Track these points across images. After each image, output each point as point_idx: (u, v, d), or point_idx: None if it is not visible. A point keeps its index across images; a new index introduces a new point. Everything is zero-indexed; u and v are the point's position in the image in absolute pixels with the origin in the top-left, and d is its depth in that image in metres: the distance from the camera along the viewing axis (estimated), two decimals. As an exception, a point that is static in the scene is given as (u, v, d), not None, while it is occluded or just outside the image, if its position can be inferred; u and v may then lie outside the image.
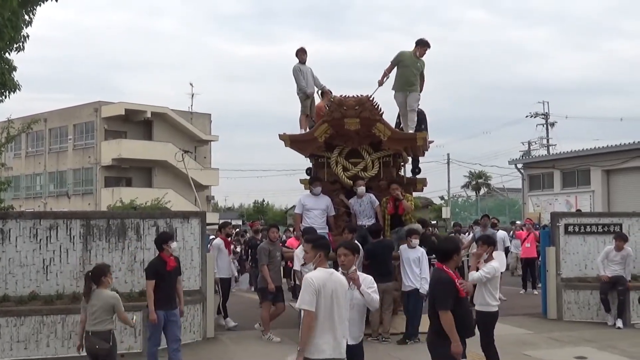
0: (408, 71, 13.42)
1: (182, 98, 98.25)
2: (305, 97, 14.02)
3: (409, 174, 15.02)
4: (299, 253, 11.50)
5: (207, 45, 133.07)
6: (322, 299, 5.74)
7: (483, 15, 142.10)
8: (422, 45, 13.47)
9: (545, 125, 54.79)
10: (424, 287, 11.53)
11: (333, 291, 5.83)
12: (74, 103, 54.93)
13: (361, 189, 12.57)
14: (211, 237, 20.63)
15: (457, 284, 6.41)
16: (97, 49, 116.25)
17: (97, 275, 7.83)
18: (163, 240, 9.39)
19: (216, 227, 25.22)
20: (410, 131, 13.37)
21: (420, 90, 13.64)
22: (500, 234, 18.78)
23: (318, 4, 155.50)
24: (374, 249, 11.62)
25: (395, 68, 13.54)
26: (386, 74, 13.68)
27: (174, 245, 9.37)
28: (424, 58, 13.59)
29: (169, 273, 9.21)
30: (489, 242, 8.90)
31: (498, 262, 8.82)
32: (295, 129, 13.98)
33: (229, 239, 15.28)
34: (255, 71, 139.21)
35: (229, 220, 17.40)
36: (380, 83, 13.67)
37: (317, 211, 12.62)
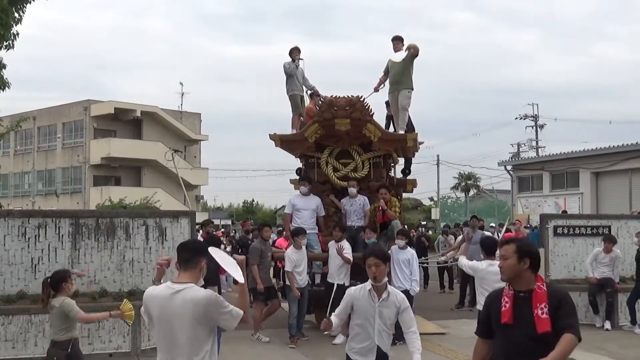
0: (393, 71, 13.68)
1: (171, 99, 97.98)
2: (293, 95, 13.97)
3: (399, 175, 15.08)
4: (290, 254, 11.49)
5: (195, 45, 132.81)
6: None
7: (471, 18, 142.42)
8: (393, 41, 13.70)
9: (534, 128, 55.00)
10: (414, 289, 11.57)
11: None
12: (62, 102, 54.71)
13: (352, 189, 12.61)
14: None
15: (503, 304, 4.52)
16: (84, 49, 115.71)
17: (57, 282, 7.35)
18: (219, 244, 8.98)
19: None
20: (401, 131, 13.43)
21: (415, 54, 13.55)
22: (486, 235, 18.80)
23: (305, 6, 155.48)
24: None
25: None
26: (381, 81, 13.92)
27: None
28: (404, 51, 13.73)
29: (220, 279, 8.88)
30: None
31: (486, 263, 8.76)
32: (284, 130, 13.98)
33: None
34: (244, 72, 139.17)
35: (211, 219, 17.57)
36: (376, 89, 13.90)
37: (307, 211, 12.62)
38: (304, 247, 11.61)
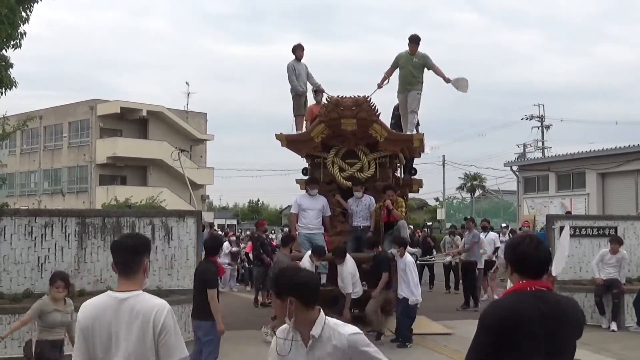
0: (405, 71, 13.51)
1: (175, 99, 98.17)
2: (297, 96, 13.93)
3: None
4: (307, 264, 11.45)
5: (197, 45, 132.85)
6: None
7: (472, 18, 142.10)
8: (410, 41, 13.57)
9: (540, 128, 54.84)
10: (412, 299, 11.47)
11: None
12: (66, 101, 54.85)
13: (357, 194, 12.63)
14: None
15: None
16: (88, 49, 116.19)
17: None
18: (220, 245, 8.85)
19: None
20: (409, 132, 13.40)
21: (441, 76, 13.53)
22: (491, 235, 18.93)
23: (307, 6, 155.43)
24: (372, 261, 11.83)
25: (398, 70, 13.64)
26: (386, 77, 13.74)
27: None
28: (424, 52, 13.60)
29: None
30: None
31: None
32: (289, 129, 13.94)
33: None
34: (247, 72, 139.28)
35: (212, 222, 17.99)
36: (380, 86, 13.72)
37: (313, 211, 12.60)
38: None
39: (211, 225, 16.02)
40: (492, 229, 21.59)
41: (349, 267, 11.53)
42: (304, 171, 13.99)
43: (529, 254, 3.65)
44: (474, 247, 16.47)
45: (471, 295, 16.27)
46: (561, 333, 3.56)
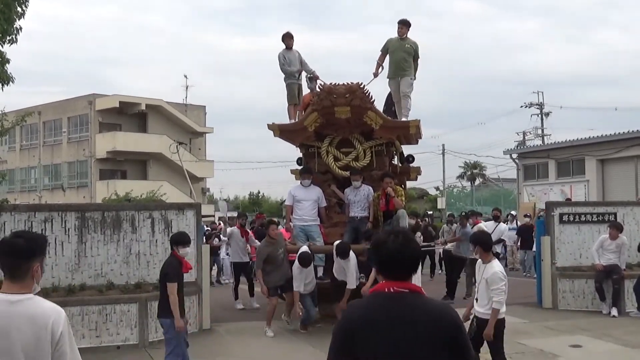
0: (396, 56, 13.28)
1: (175, 93, 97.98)
2: (290, 84, 13.74)
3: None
4: (298, 273, 11.40)
5: (196, 39, 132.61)
6: None
7: (472, 6, 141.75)
8: (400, 24, 13.42)
9: (540, 115, 54.75)
10: None
11: None
12: (65, 97, 54.82)
13: (355, 183, 12.50)
14: (206, 228, 20.66)
15: None
16: (86, 43, 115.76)
17: None
18: (176, 242, 8.36)
19: (211, 219, 25.50)
20: (404, 118, 13.24)
21: (415, 72, 13.48)
22: (501, 227, 19.05)
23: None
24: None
25: (388, 56, 13.50)
26: (379, 64, 13.56)
27: (187, 250, 8.49)
28: (414, 39, 13.50)
29: (183, 276, 8.46)
30: None
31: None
32: (286, 121, 13.85)
33: (244, 227, 16.02)
34: (246, 65, 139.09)
35: (245, 213, 18.13)
36: (375, 75, 13.54)
37: (307, 202, 12.46)
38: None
39: (239, 216, 16.18)
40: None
41: (353, 262, 11.42)
42: (299, 161, 13.79)
43: (392, 254, 3.36)
44: (463, 242, 16.14)
45: (448, 288, 16.06)
46: (412, 338, 3.23)
